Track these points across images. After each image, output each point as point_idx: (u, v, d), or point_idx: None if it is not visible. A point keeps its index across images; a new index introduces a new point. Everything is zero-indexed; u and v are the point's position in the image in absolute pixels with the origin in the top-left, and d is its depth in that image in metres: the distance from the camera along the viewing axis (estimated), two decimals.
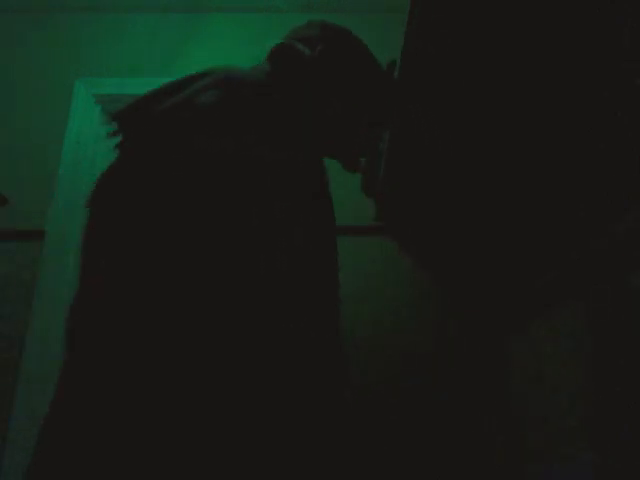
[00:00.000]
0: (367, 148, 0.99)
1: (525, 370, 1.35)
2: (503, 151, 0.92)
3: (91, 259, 0.63)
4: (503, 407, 1.47)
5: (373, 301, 1.62)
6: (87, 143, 1.85)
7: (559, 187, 0.92)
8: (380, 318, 1.60)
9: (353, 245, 1.69)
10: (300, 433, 0.59)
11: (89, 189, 0.67)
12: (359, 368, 1.52)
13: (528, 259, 1.17)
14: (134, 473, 0.52)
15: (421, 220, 1.45)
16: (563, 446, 1.08)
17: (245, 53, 2.02)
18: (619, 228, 0.79)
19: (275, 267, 0.60)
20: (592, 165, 0.83)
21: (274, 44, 0.84)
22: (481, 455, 1.44)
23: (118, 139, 0.68)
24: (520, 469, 1.38)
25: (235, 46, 2.04)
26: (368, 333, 1.57)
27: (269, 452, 0.56)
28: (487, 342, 1.56)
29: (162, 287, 0.56)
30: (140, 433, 0.53)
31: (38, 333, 1.56)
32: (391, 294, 1.64)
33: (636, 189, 0.75)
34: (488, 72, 0.77)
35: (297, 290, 0.62)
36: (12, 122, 1.89)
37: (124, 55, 2.02)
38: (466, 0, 0.66)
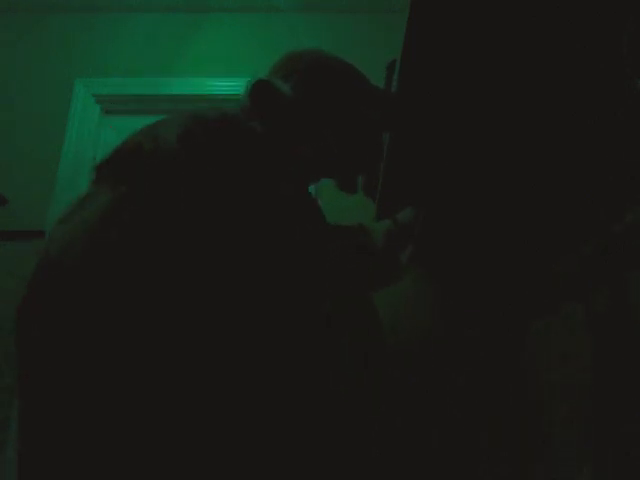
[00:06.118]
0: (364, 168, 1.00)
1: (525, 370, 1.36)
2: (503, 151, 0.92)
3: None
4: (503, 407, 1.47)
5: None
6: (87, 143, 1.85)
7: (559, 187, 0.92)
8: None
9: None
10: (300, 431, 0.59)
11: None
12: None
13: (528, 259, 1.17)
14: (133, 472, 0.52)
15: (421, 220, 1.44)
16: (563, 446, 1.08)
17: (245, 53, 2.02)
18: (619, 228, 0.79)
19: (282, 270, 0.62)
20: (592, 165, 0.84)
21: (252, 80, 0.84)
22: (484, 454, 1.44)
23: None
24: (523, 469, 1.38)
25: (235, 46, 2.04)
26: None
27: (269, 451, 0.56)
28: (487, 342, 1.56)
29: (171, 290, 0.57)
30: (140, 432, 0.52)
31: None
32: (390, 293, 1.64)
33: (636, 189, 0.76)
34: (488, 72, 0.77)
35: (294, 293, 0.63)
36: (12, 122, 1.89)
37: (124, 55, 2.02)
38: (466, 0, 0.67)
